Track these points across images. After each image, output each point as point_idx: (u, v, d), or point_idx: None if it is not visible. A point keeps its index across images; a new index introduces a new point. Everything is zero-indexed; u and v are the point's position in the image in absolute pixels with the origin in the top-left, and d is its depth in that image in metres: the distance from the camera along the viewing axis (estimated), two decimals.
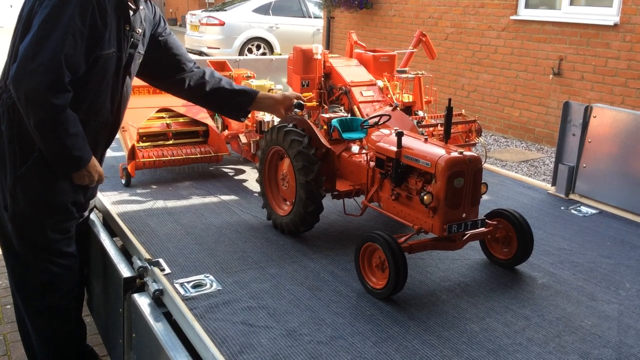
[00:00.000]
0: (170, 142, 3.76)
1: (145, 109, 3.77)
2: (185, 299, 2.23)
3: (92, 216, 2.84)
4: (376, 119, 2.80)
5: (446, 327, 2.12)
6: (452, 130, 3.60)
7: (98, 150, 2.50)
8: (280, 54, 13.20)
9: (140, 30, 2.47)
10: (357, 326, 2.11)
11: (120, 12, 2.31)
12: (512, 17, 8.03)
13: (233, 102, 2.91)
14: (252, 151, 3.72)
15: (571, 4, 7.48)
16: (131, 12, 2.38)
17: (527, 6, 7.98)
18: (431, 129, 3.69)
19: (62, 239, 2.49)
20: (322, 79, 4.04)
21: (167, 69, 2.79)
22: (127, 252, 2.72)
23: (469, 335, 2.08)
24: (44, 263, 2.46)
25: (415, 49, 4.62)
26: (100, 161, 2.54)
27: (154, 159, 3.52)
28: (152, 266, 2.42)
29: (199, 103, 3.10)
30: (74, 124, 2.22)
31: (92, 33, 2.19)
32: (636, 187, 3.21)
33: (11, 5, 25.53)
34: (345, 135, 2.97)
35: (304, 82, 4.01)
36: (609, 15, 6.94)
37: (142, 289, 2.39)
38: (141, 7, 2.46)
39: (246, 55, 13.64)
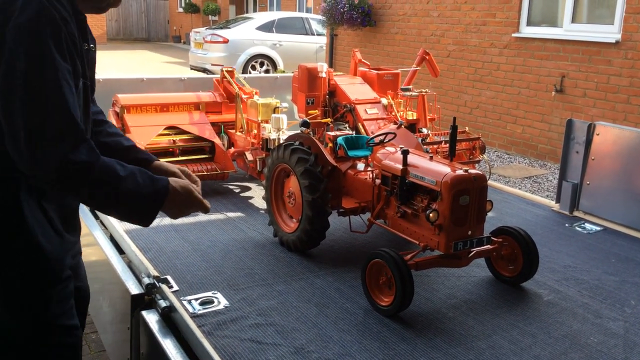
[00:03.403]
0: (178, 158, 3.79)
1: (152, 127, 3.81)
2: (193, 316, 2.25)
3: (99, 233, 2.85)
4: (382, 137, 2.83)
5: (453, 344, 2.13)
6: (456, 148, 3.64)
7: None
8: (284, 72, 13.31)
9: (92, 45, 1.90)
10: (364, 343, 2.12)
11: (80, 28, 1.79)
12: (514, 35, 8.10)
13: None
14: (258, 168, 3.75)
15: (573, 21, 7.55)
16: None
17: (529, 24, 8.05)
18: (435, 146, 3.72)
19: (64, 312, 1.93)
20: (327, 96, 4.09)
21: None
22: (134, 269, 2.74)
23: (475, 352, 2.09)
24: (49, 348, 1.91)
25: (419, 67, 4.66)
26: None
27: None
28: (160, 283, 2.44)
29: None
30: (118, 165, 1.75)
31: (72, 67, 1.71)
32: None
33: None
34: (351, 153, 3.00)
35: (308, 100, 4.05)
36: (610, 33, 6.99)
37: (150, 306, 2.41)
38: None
39: (250, 72, 13.74)
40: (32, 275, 1.79)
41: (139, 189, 1.75)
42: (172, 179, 1.86)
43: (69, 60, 1.67)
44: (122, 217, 1.87)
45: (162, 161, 2.13)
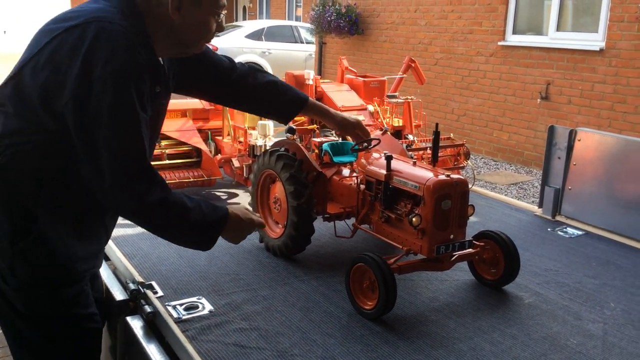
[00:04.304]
0: (165, 162, 3.80)
1: None
2: (178, 321, 2.26)
3: None
4: (366, 143, 2.86)
5: (435, 346, 2.16)
6: (441, 154, 3.68)
7: None
8: None
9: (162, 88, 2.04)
10: (347, 346, 2.14)
11: (152, 74, 1.90)
12: (499, 43, 8.19)
13: (282, 107, 2.61)
14: (244, 175, 3.78)
15: (558, 29, 7.65)
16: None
17: (514, 32, 8.15)
18: (420, 152, 3.76)
19: (79, 302, 2.04)
20: None
21: (208, 86, 2.44)
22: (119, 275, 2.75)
23: (457, 354, 2.12)
24: (64, 332, 2.02)
25: (405, 74, 4.71)
26: None
27: None
28: (145, 289, 2.45)
29: (248, 109, 2.79)
30: (185, 198, 1.89)
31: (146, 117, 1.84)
32: (621, 209, 3.29)
33: (5, 32, 25.71)
34: (336, 159, 3.03)
35: None
36: (594, 41, 7.10)
37: (135, 311, 2.42)
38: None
39: None
40: (41, 274, 1.91)
41: (204, 219, 1.92)
42: (230, 207, 2.03)
43: (146, 109, 1.82)
44: (185, 244, 2.01)
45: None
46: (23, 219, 1.83)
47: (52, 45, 1.75)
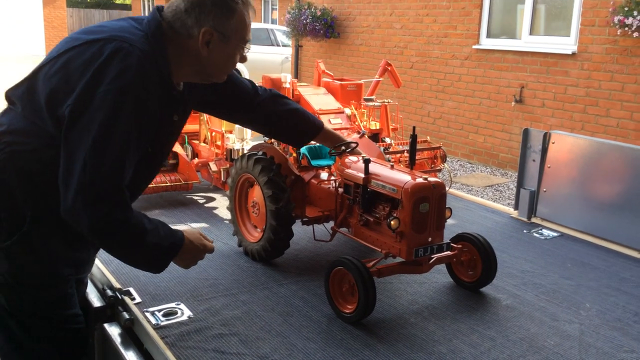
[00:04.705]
0: None
1: None
2: (156, 328, 2.24)
3: None
4: (344, 147, 2.87)
5: (414, 349, 2.17)
6: (418, 157, 3.71)
7: None
8: None
9: (180, 116, 2.12)
10: (328, 351, 2.14)
11: (166, 103, 1.96)
12: (474, 47, 8.28)
13: (297, 134, 2.73)
14: (222, 179, 3.76)
15: (531, 33, 7.76)
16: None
17: (488, 36, 8.25)
18: (398, 155, 3.78)
19: (62, 304, 2.09)
20: None
21: (228, 108, 2.55)
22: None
23: (436, 356, 2.13)
24: (46, 331, 2.08)
25: (381, 77, 4.74)
26: None
27: None
28: (122, 295, 2.42)
29: (265, 132, 2.86)
30: (143, 219, 1.89)
31: (140, 142, 1.86)
32: (595, 211, 3.34)
33: None
34: (314, 163, 3.03)
35: None
36: (567, 45, 7.21)
37: (112, 318, 2.39)
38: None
39: None
40: (24, 273, 1.96)
41: (160, 243, 1.93)
42: (186, 231, 2.05)
43: (141, 130, 1.83)
44: (136, 265, 2.03)
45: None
46: (11, 218, 1.87)
47: (70, 54, 1.83)
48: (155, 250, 1.94)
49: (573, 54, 7.09)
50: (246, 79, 2.54)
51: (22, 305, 2.00)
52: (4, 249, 1.89)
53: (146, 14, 2.34)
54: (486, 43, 8.21)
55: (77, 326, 2.14)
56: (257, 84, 2.59)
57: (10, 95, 1.96)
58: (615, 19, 6.36)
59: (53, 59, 1.86)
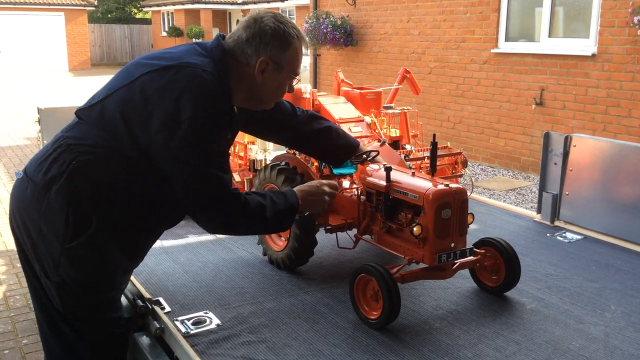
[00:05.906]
0: None
1: None
2: (186, 336, 2.29)
3: None
4: (365, 155, 2.91)
5: (440, 354, 2.20)
6: (438, 163, 3.73)
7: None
8: None
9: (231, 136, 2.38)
10: (354, 356, 2.18)
11: (228, 122, 2.16)
12: (492, 51, 8.27)
13: (334, 152, 2.85)
14: (245, 189, 3.81)
15: (550, 36, 7.74)
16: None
17: (507, 39, 8.24)
18: (418, 162, 3.80)
19: (110, 307, 2.25)
20: None
21: (269, 129, 2.74)
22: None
23: None
24: (93, 332, 2.22)
25: (400, 85, 4.77)
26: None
27: None
28: (152, 305, 2.48)
29: (303, 151, 3.00)
30: (256, 199, 2.24)
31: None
32: (618, 213, 3.33)
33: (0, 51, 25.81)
34: (336, 171, 3.07)
35: None
36: (586, 46, 7.18)
37: (142, 328, 2.45)
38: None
39: None
40: (82, 276, 2.11)
41: (278, 210, 2.27)
42: (297, 188, 2.43)
43: (223, 144, 2.14)
44: (268, 233, 2.58)
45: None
46: (78, 222, 2.03)
47: (145, 78, 2.02)
48: (277, 218, 2.27)
49: (593, 55, 7.05)
50: (286, 101, 2.70)
51: (77, 307, 2.15)
52: (69, 249, 2.04)
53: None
54: (505, 47, 8.21)
55: (121, 330, 2.30)
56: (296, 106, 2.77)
57: (80, 114, 2.14)
58: (635, 19, 6.32)
59: (128, 84, 2.04)
